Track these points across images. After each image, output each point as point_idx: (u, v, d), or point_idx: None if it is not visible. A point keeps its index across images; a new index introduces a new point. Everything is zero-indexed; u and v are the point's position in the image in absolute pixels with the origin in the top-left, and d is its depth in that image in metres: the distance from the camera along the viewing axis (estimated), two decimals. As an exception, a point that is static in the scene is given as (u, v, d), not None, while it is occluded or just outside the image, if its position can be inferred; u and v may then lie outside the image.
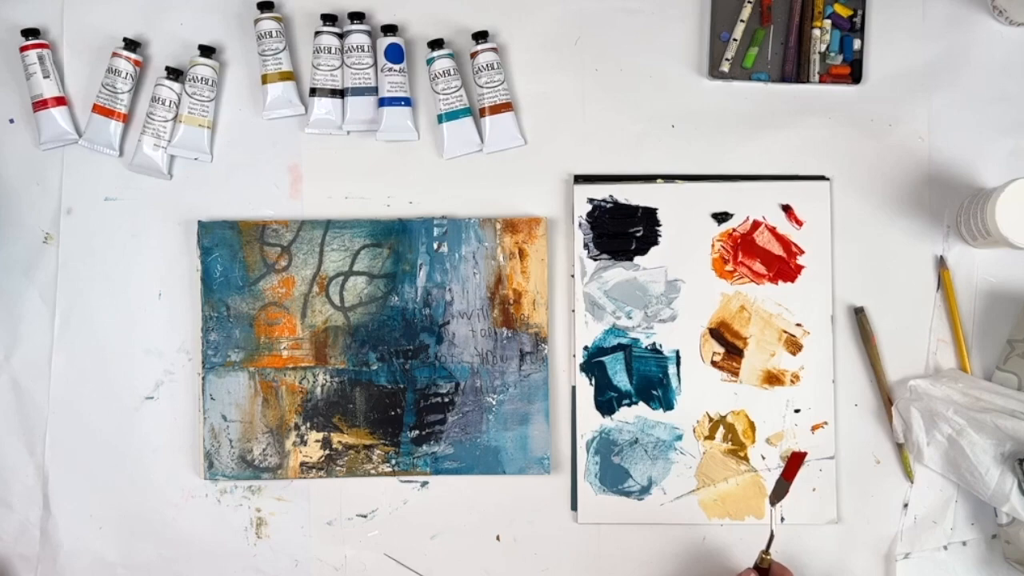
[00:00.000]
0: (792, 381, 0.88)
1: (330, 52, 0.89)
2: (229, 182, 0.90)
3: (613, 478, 0.88)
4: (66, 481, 0.89)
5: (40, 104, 0.89)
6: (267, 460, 0.88)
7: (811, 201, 0.89)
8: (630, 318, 0.89)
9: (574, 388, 0.89)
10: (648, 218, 0.89)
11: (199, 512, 0.89)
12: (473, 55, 0.89)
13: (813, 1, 0.90)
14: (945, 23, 0.91)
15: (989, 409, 0.83)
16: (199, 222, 0.89)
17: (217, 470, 0.88)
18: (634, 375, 0.88)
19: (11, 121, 0.91)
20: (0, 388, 0.89)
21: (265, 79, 0.89)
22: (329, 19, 0.89)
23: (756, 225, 0.89)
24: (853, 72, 0.90)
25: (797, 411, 0.88)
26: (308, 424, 0.88)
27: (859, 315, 0.88)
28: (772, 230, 0.89)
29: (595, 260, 0.89)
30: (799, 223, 0.89)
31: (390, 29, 0.89)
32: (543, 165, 0.90)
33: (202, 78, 0.88)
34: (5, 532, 0.88)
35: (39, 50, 0.89)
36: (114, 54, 0.88)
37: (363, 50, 0.89)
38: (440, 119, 0.89)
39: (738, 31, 0.90)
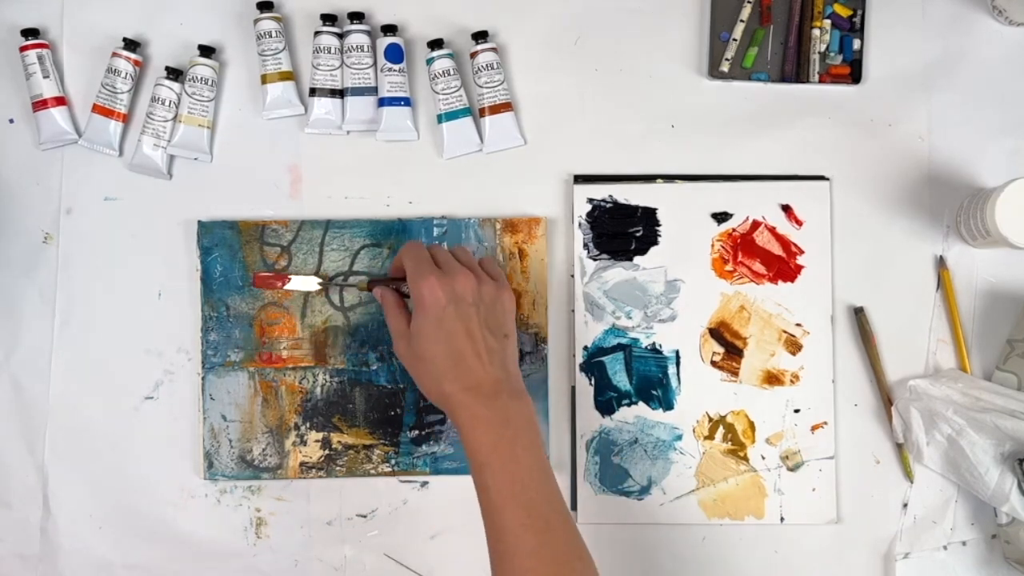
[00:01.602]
0: (792, 381, 0.88)
1: (330, 52, 0.89)
2: (229, 182, 0.90)
3: (613, 478, 0.88)
4: (66, 481, 0.89)
5: (40, 104, 0.89)
6: (267, 460, 0.88)
7: (811, 201, 0.89)
8: (630, 318, 0.89)
9: (573, 388, 0.89)
10: (648, 218, 0.89)
11: (199, 512, 0.89)
12: (473, 55, 0.89)
13: (813, 1, 0.90)
14: (945, 23, 0.91)
15: (989, 409, 0.83)
16: (199, 222, 0.89)
17: (217, 470, 0.88)
18: (634, 375, 0.88)
19: (11, 121, 0.91)
20: (0, 388, 0.89)
21: (265, 79, 0.89)
22: (329, 19, 0.89)
23: (756, 225, 0.89)
24: (853, 72, 0.90)
25: (797, 411, 0.88)
26: (308, 424, 0.88)
27: (859, 315, 0.88)
28: (772, 230, 0.89)
29: (595, 260, 0.89)
30: (799, 223, 0.89)
31: (390, 29, 0.89)
32: (543, 165, 0.90)
33: (202, 78, 0.88)
34: (5, 532, 0.88)
35: (39, 50, 0.89)
36: (114, 54, 0.88)
37: (363, 50, 0.89)
38: (440, 119, 0.89)
39: (738, 31, 0.90)
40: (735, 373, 0.88)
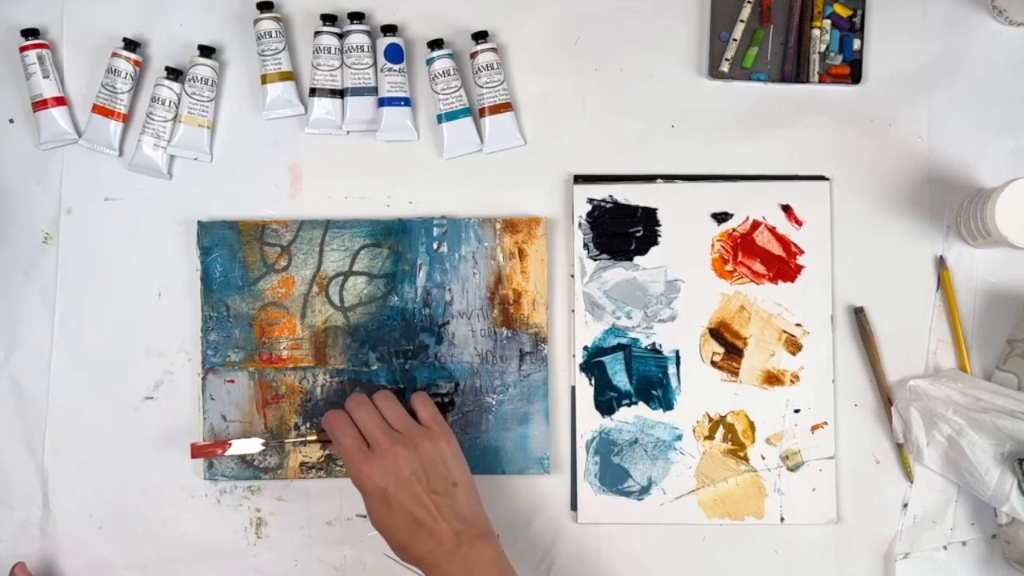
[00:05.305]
0: (792, 381, 0.88)
1: (330, 52, 0.89)
2: (229, 182, 0.90)
3: (613, 478, 0.88)
4: (66, 481, 0.89)
5: (40, 104, 0.89)
6: (267, 460, 0.88)
7: (811, 201, 0.89)
8: (630, 318, 0.89)
9: (574, 388, 0.89)
10: (648, 218, 0.89)
11: (199, 512, 0.89)
12: (473, 55, 0.89)
13: (813, 1, 0.90)
14: (945, 23, 0.91)
15: (989, 409, 0.83)
16: (199, 222, 0.89)
17: (217, 470, 0.88)
18: (634, 375, 0.88)
19: (11, 121, 0.91)
20: (0, 388, 0.89)
21: (265, 79, 0.89)
22: (329, 19, 0.89)
23: (756, 225, 0.89)
24: (853, 72, 0.90)
25: (797, 411, 0.88)
26: (308, 424, 0.88)
27: (859, 315, 0.88)
28: (772, 230, 0.89)
29: (595, 260, 0.89)
30: (799, 223, 0.89)
31: (390, 29, 0.89)
32: (543, 165, 0.90)
33: (202, 78, 0.89)
34: (5, 532, 0.88)
35: (39, 50, 0.89)
36: (114, 54, 0.88)
37: (363, 50, 0.89)
38: (440, 119, 0.89)
39: (738, 31, 0.90)
40: (735, 373, 0.88)
